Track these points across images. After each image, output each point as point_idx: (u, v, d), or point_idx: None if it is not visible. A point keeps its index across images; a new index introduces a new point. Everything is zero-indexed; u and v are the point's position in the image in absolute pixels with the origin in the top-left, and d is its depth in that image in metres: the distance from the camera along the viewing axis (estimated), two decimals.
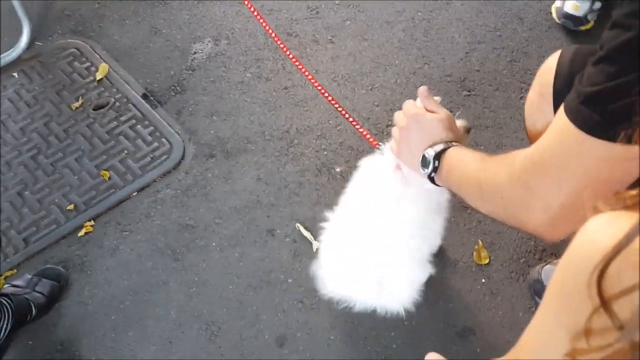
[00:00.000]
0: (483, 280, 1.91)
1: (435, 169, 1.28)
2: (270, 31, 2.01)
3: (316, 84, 1.88)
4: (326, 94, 1.86)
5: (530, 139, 1.51)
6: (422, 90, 1.40)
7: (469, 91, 2.38)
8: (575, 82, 0.96)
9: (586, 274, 0.57)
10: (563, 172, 0.94)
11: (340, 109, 1.86)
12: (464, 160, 1.23)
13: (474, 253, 1.96)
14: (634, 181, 0.92)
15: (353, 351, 1.81)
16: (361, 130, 1.82)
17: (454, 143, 1.30)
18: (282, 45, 1.92)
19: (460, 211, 2.05)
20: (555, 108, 1.34)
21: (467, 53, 2.50)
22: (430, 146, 1.31)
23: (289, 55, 1.91)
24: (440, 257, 1.95)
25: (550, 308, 0.67)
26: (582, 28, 2.49)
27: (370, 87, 2.43)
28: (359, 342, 1.83)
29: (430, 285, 1.91)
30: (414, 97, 2.35)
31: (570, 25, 2.49)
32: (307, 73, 1.90)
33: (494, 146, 2.20)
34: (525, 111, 1.48)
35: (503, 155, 1.12)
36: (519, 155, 1.05)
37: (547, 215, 0.99)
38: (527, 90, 2.34)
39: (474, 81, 2.41)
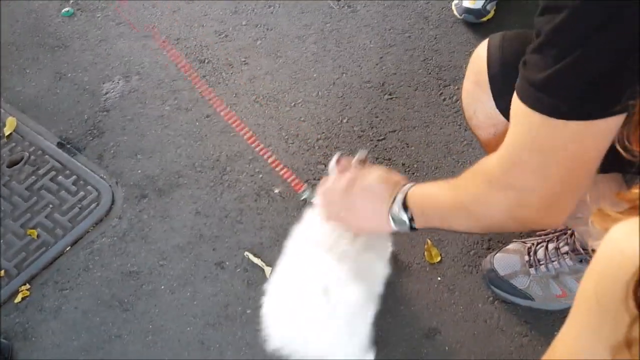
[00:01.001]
0: (439, 279, 1.93)
1: (411, 219, 1.25)
2: (182, 61, 1.96)
3: (228, 117, 1.83)
4: (240, 129, 1.82)
5: (472, 128, 1.53)
6: (334, 162, 1.45)
7: (390, 94, 2.41)
8: (520, 71, 0.98)
9: (621, 286, 0.57)
10: (544, 162, 0.96)
11: (258, 149, 1.83)
12: (432, 196, 1.22)
13: (425, 253, 1.98)
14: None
15: None
16: (283, 172, 1.78)
17: (406, 185, 1.28)
18: (194, 79, 1.85)
19: None
20: (494, 94, 1.37)
21: (381, 58, 2.53)
22: (391, 203, 1.27)
23: (199, 88, 1.84)
24: (393, 263, 1.97)
25: (585, 324, 0.66)
26: (484, 19, 2.58)
27: (293, 103, 2.42)
28: None
29: (390, 292, 1.92)
30: (338, 108, 2.38)
31: (472, 19, 2.57)
32: (219, 105, 1.84)
33: (424, 145, 2.25)
34: (463, 101, 1.50)
35: (471, 171, 1.13)
36: (490, 162, 1.06)
37: (544, 206, 1.01)
38: (445, 87, 2.42)
39: (393, 84, 2.44)
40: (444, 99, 2.37)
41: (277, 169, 1.77)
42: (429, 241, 2.00)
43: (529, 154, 0.97)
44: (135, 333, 1.90)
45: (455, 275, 1.94)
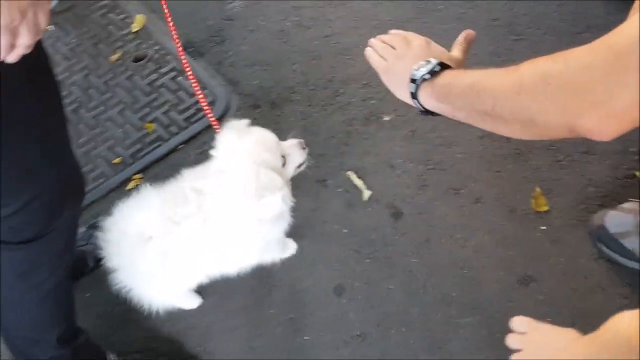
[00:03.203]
0: (542, 228, 1.88)
1: (422, 79, 1.08)
2: None
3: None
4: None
5: None
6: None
7: (517, 35, 2.31)
8: None
9: None
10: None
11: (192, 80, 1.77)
12: (480, 73, 1.02)
13: (532, 200, 1.92)
14: None
15: (412, 299, 1.80)
16: (206, 109, 1.72)
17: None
18: None
19: (514, 159, 2.01)
20: None
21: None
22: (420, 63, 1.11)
23: None
24: (496, 205, 1.93)
25: None
26: None
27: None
28: (418, 290, 1.81)
29: (488, 231, 1.89)
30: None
31: None
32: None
33: None
34: None
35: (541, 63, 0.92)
36: (593, 45, 0.87)
37: (606, 112, 0.85)
38: (577, 34, 2.29)
39: (521, 25, 2.34)
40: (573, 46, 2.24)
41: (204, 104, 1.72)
42: (537, 189, 1.93)
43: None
44: None
45: (561, 227, 1.88)
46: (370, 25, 2.41)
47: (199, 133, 2.20)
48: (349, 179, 2.03)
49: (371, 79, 2.25)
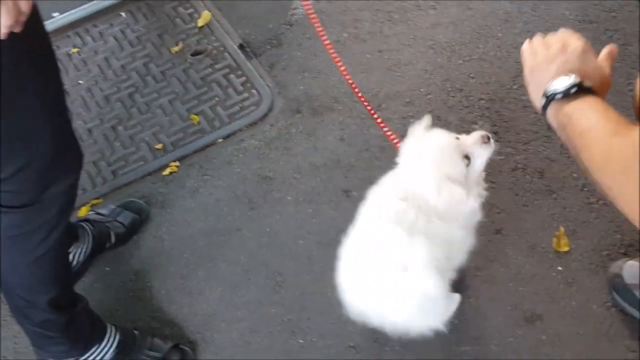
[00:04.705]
0: (559, 268, 1.83)
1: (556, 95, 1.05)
2: None
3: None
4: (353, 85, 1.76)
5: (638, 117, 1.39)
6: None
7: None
8: None
9: None
10: None
11: (369, 108, 1.76)
12: (598, 121, 0.98)
13: (554, 239, 1.87)
14: None
15: None
16: (386, 129, 1.72)
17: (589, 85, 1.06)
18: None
19: (544, 195, 1.97)
20: None
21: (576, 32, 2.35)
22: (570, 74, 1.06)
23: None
24: (516, 239, 1.89)
25: None
26: None
27: (468, 58, 2.35)
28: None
29: (504, 264, 1.86)
30: (513, 73, 2.28)
31: None
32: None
33: None
34: (637, 89, 1.36)
35: None
36: None
37: None
38: (636, 77, 2.21)
39: None
40: (630, 89, 2.17)
41: (376, 118, 1.73)
42: (562, 228, 1.88)
43: None
44: (254, 231, 2.02)
45: (579, 270, 1.82)
46: (426, 45, 2.42)
47: (239, 130, 2.27)
48: None
49: (415, 97, 2.26)
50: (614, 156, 0.90)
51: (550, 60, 1.12)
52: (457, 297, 1.73)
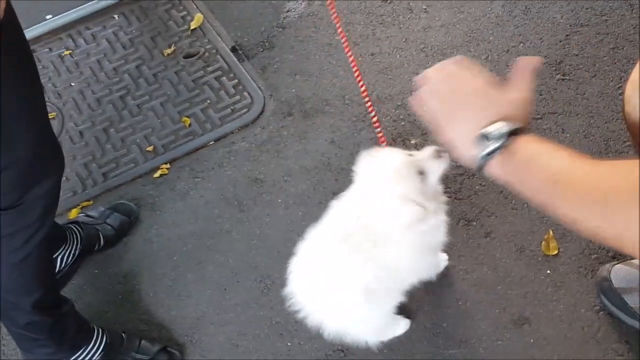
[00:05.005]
0: (548, 272, 1.83)
1: (496, 150, 0.89)
2: None
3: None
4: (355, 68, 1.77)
5: (628, 125, 1.39)
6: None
7: (563, 75, 2.26)
8: None
9: None
10: None
11: (363, 88, 1.74)
12: (557, 155, 0.87)
13: (543, 242, 1.87)
14: None
15: None
16: (376, 123, 1.69)
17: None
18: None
19: None
20: None
21: (567, 36, 2.36)
22: (499, 120, 0.90)
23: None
24: (505, 242, 1.89)
25: None
26: None
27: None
28: (408, 316, 1.80)
29: (492, 267, 1.86)
30: (504, 75, 2.27)
31: None
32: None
33: (582, 135, 2.09)
34: (625, 93, 1.36)
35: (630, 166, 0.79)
36: None
37: None
38: (627, 80, 2.21)
39: (570, 65, 2.28)
40: (621, 93, 2.17)
41: (372, 114, 1.73)
42: (551, 232, 1.88)
43: None
44: (243, 233, 2.02)
45: (567, 273, 1.82)
46: (418, 48, 2.42)
47: (230, 133, 2.27)
48: None
49: (406, 101, 2.26)
50: (617, 186, 0.78)
51: (450, 117, 0.96)
52: (404, 323, 1.76)
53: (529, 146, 0.89)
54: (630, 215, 0.75)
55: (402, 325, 1.77)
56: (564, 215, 0.84)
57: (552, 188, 0.85)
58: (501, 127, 0.89)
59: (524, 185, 0.89)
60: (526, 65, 0.97)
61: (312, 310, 1.56)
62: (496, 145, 0.89)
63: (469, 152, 0.92)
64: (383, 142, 1.66)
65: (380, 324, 1.69)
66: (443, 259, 1.84)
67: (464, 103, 0.95)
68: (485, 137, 0.89)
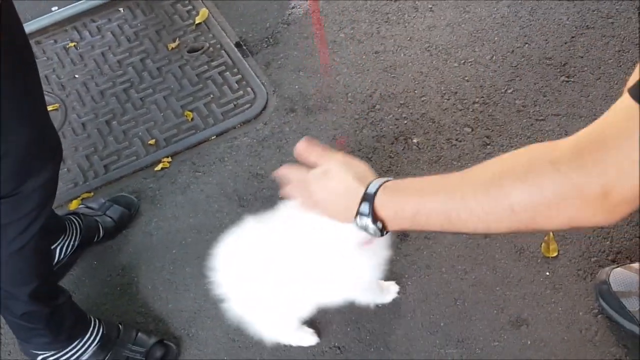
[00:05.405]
0: (547, 274, 1.82)
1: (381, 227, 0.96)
2: None
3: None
4: None
5: None
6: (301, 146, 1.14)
7: (567, 77, 2.25)
8: None
9: None
10: (628, 147, 0.83)
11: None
12: (437, 181, 0.95)
13: (543, 244, 1.87)
14: None
15: (399, 321, 1.78)
16: None
17: (373, 184, 0.99)
18: None
19: None
20: None
21: (572, 37, 2.36)
22: (357, 211, 0.98)
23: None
24: (505, 243, 1.88)
25: None
26: None
27: (463, 61, 2.35)
28: (407, 313, 1.80)
29: (491, 268, 1.85)
30: (508, 77, 2.27)
31: None
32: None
33: None
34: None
35: (521, 153, 0.87)
36: (560, 142, 0.86)
37: (607, 199, 0.81)
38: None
39: (575, 67, 2.27)
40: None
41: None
42: (551, 233, 1.88)
43: (614, 134, 0.84)
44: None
45: (566, 275, 1.81)
46: (422, 47, 2.42)
47: (232, 128, 2.27)
48: None
49: (409, 99, 2.26)
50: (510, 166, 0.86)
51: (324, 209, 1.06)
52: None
53: (397, 181, 0.97)
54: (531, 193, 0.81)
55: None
56: (470, 213, 0.86)
57: (450, 224, 0.88)
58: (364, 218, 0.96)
59: (421, 228, 0.93)
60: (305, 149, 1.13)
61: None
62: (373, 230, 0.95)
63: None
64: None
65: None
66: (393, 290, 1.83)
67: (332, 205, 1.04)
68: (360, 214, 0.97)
